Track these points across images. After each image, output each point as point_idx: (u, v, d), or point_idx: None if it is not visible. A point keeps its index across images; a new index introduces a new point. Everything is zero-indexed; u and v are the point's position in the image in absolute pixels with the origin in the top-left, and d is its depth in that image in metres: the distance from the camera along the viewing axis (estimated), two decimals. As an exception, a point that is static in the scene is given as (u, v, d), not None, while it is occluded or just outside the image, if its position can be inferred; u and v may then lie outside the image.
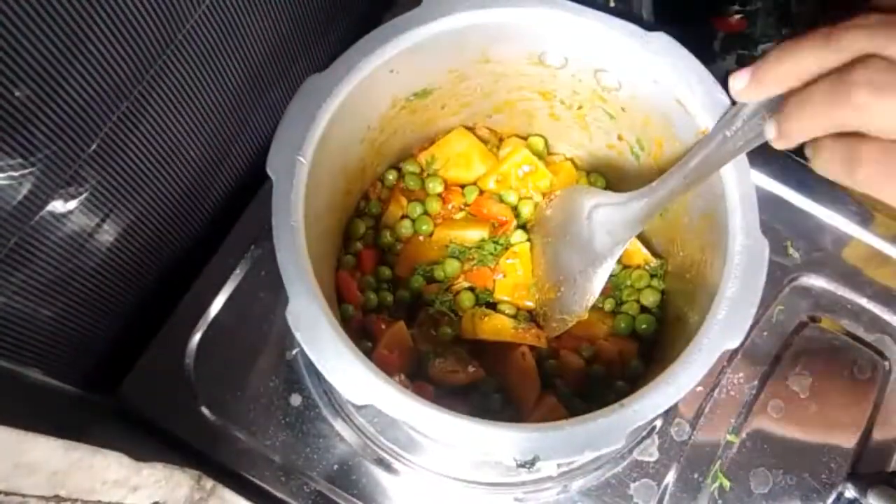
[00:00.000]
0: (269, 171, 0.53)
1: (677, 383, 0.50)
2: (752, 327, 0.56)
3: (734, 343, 0.51)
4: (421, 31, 0.58)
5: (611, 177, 0.73)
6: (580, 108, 0.68)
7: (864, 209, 0.77)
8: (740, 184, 0.55)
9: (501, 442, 0.48)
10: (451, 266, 0.68)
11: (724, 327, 0.51)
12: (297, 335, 0.49)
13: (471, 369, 0.64)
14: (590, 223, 0.64)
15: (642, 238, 0.69)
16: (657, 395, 0.50)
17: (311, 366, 0.50)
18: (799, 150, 0.45)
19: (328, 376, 0.48)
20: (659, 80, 0.58)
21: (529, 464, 0.47)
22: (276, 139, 0.55)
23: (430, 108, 0.68)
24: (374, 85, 0.59)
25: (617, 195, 0.62)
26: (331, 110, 0.56)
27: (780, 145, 0.46)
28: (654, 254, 0.69)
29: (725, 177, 0.55)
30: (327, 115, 0.56)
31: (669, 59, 0.58)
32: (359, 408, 0.66)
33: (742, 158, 0.55)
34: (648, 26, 0.58)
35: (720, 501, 0.66)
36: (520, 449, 0.47)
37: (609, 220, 0.63)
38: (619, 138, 0.68)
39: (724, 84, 0.55)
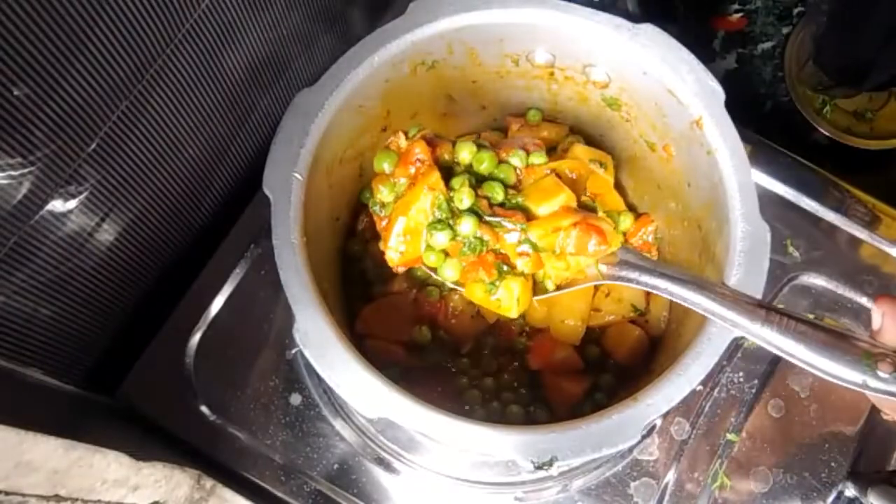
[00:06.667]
0: (266, 190, 0.53)
1: (688, 374, 0.50)
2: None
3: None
4: (407, 39, 0.58)
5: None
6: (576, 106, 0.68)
7: (864, 209, 0.77)
8: (738, 171, 0.55)
9: (517, 445, 0.47)
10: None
11: None
12: (307, 352, 0.49)
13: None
14: None
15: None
16: (670, 387, 0.49)
17: (310, 365, 0.50)
18: (798, 150, 0.45)
19: (339, 391, 0.48)
20: (648, 72, 0.58)
21: (547, 465, 0.47)
22: (270, 157, 0.54)
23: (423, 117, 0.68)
24: (365, 95, 0.59)
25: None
26: (324, 124, 0.56)
27: None
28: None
29: (723, 165, 0.55)
30: (321, 130, 0.56)
31: (658, 50, 0.57)
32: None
33: (739, 147, 0.55)
34: (635, 19, 0.58)
35: (720, 500, 0.66)
36: (537, 451, 0.47)
37: None
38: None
39: (717, 75, 0.55)
